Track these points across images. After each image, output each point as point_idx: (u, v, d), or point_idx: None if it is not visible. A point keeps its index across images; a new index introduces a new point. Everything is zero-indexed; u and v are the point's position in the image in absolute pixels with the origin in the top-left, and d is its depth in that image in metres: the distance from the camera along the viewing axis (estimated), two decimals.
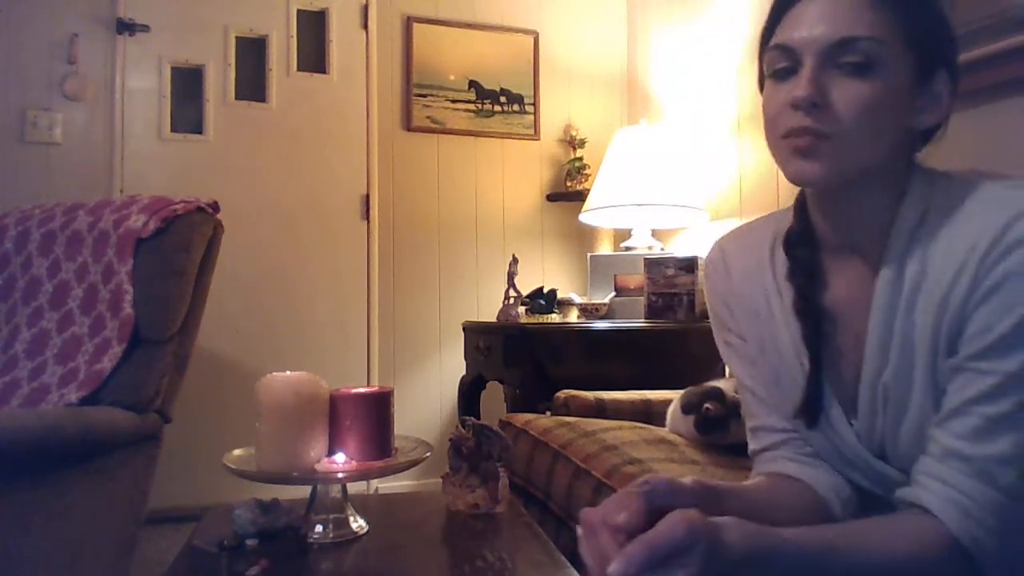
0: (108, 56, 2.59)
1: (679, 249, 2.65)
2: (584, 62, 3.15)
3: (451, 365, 2.88)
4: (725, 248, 0.93)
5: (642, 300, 2.25)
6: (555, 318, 2.40)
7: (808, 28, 0.73)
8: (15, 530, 1.26)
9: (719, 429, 1.38)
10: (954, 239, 0.71)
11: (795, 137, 0.73)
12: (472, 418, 1.19)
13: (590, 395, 1.78)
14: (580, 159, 3.02)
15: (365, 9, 2.89)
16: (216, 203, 1.73)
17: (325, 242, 2.81)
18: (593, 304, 2.36)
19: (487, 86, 3.01)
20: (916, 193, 0.75)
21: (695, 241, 2.58)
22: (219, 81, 2.72)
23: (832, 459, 0.82)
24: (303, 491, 1.04)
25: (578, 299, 2.47)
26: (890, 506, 0.75)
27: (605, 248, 3.08)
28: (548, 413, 1.78)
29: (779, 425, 0.85)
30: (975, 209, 0.71)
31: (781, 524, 0.64)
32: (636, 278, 2.33)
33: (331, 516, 1.01)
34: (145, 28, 2.63)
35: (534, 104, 3.07)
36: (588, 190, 2.66)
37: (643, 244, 2.53)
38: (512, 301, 2.32)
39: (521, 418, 1.69)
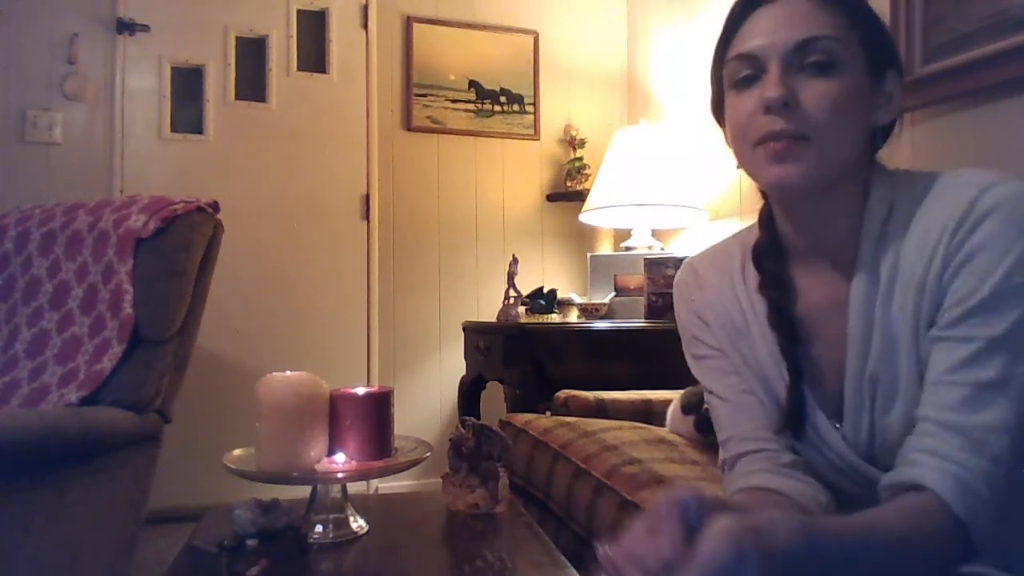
0: (108, 56, 2.59)
1: (679, 249, 2.65)
2: (584, 62, 3.15)
3: (451, 365, 2.88)
4: (696, 266, 0.94)
5: (642, 300, 2.25)
6: (555, 318, 2.40)
7: (769, 35, 0.74)
8: (15, 530, 1.26)
9: None
10: (924, 226, 0.72)
11: (771, 142, 0.73)
12: (472, 418, 1.19)
13: (590, 395, 1.78)
14: (580, 159, 3.02)
15: (365, 9, 2.89)
16: (216, 203, 1.73)
17: (325, 242, 2.81)
18: (593, 304, 2.36)
19: (487, 86, 3.01)
20: (879, 190, 0.77)
21: (695, 241, 2.58)
22: (219, 81, 2.72)
23: (820, 467, 0.81)
24: (303, 491, 1.04)
25: (578, 299, 2.47)
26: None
27: (605, 248, 3.08)
28: (548, 413, 1.78)
29: (753, 435, 0.83)
30: (940, 196, 0.73)
31: None
32: (636, 278, 2.33)
33: (331, 516, 1.01)
34: (145, 28, 2.63)
35: (534, 104, 3.07)
36: (588, 190, 2.66)
37: (643, 244, 2.53)
38: (512, 301, 2.32)
39: (521, 418, 1.69)
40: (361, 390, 1.04)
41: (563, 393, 1.80)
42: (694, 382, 0.92)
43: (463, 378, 2.57)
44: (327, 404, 1.02)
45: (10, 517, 1.26)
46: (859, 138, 0.75)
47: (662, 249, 2.57)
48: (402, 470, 1.03)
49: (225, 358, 2.63)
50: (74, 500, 1.35)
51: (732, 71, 0.77)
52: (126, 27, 2.60)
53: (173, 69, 2.69)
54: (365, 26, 2.89)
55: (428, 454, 1.06)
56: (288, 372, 1.01)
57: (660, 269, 2.19)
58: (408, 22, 2.93)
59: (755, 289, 0.84)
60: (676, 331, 0.94)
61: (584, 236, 3.08)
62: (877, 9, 0.78)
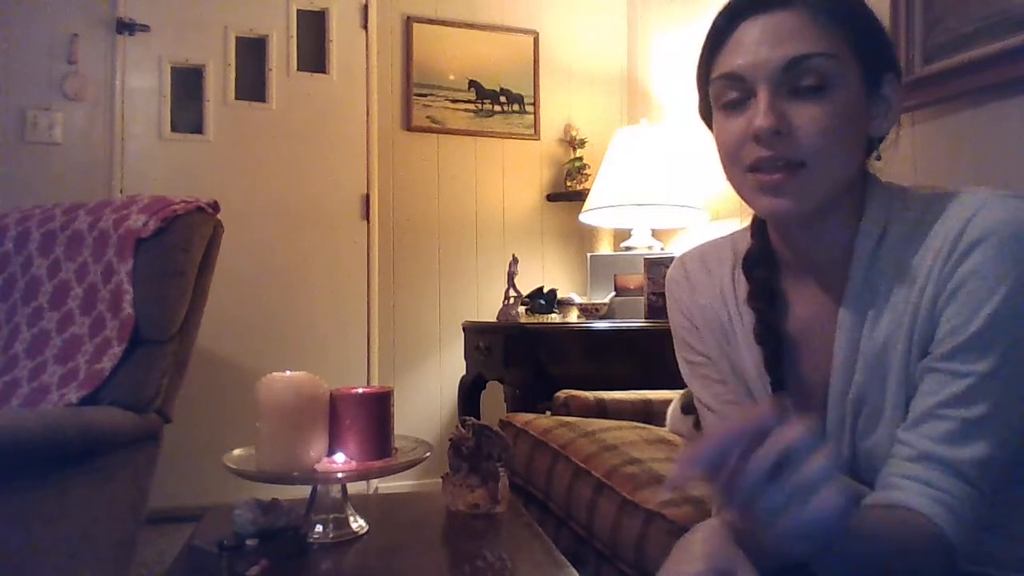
0: (108, 56, 2.59)
1: (679, 249, 2.65)
2: (584, 62, 3.15)
3: (451, 365, 2.88)
4: (688, 265, 0.91)
5: (642, 300, 2.26)
6: (555, 318, 2.40)
7: (753, 53, 0.70)
8: (15, 530, 1.26)
9: None
10: (918, 251, 0.70)
11: (764, 173, 0.70)
12: (472, 418, 1.19)
13: (590, 395, 1.78)
14: (580, 159, 3.02)
15: (365, 9, 2.89)
16: (216, 203, 1.73)
17: (325, 242, 2.81)
18: (593, 304, 2.36)
19: (487, 86, 3.01)
20: (875, 208, 0.74)
21: (695, 241, 2.58)
22: (219, 81, 2.72)
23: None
24: (303, 491, 1.04)
25: (578, 299, 2.47)
26: None
27: (605, 248, 3.08)
28: (548, 413, 1.78)
29: None
30: (935, 219, 0.70)
31: None
32: (636, 278, 2.33)
33: (331, 516, 1.02)
34: (145, 28, 2.63)
35: (534, 104, 3.07)
36: (588, 190, 2.66)
37: (643, 244, 2.53)
38: (512, 301, 2.32)
39: (521, 418, 1.69)
40: (361, 390, 1.04)
41: (563, 393, 1.80)
42: (688, 385, 0.92)
43: (463, 378, 2.57)
44: (327, 404, 1.02)
45: (10, 517, 1.26)
46: (856, 156, 0.73)
47: (662, 249, 2.57)
48: (402, 470, 1.03)
49: (225, 358, 2.63)
50: (74, 500, 1.35)
51: (718, 91, 0.74)
52: (126, 27, 2.60)
53: (173, 69, 2.69)
54: (365, 26, 2.89)
55: (428, 454, 1.06)
56: (288, 372, 1.01)
57: (660, 269, 2.19)
58: (408, 22, 2.93)
59: (744, 299, 0.83)
60: None
61: (584, 236, 3.08)
62: (876, 10, 0.75)
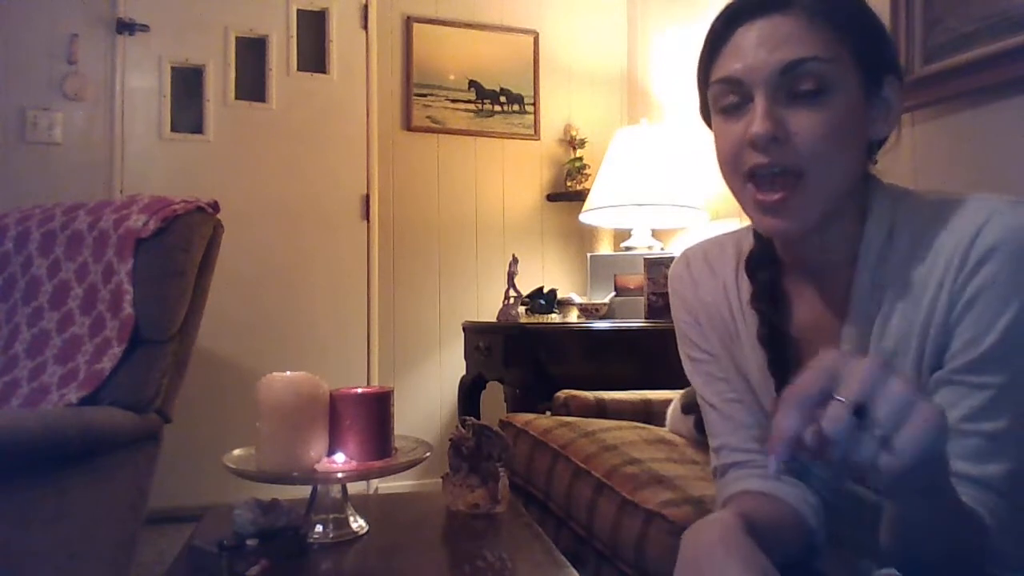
0: (108, 56, 2.60)
1: (679, 249, 2.65)
2: (584, 62, 3.15)
3: (451, 365, 2.88)
4: (691, 262, 0.91)
5: (642, 300, 2.26)
6: (555, 318, 2.40)
7: (751, 57, 0.69)
8: (15, 530, 1.26)
9: None
10: (928, 259, 0.69)
11: (763, 190, 0.70)
12: (472, 418, 1.19)
13: (590, 395, 1.78)
14: (580, 159, 3.02)
15: (365, 9, 2.89)
16: (216, 203, 1.73)
17: (325, 242, 2.81)
18: (593, 304, 2.36)
19: (487, 86, 3.01)
20: (879, 211, 0.73)
21: (695, 241, 2.58)
22: (219, 81, 2.72)
23: (808, 480, 0.80)
24: (303, 491, 1.04)
25: (578, 299, 2.47)
26: (855, 515, 0.75)
27: (605, 248, 3.08)
28: (548, 413, 1.78)
29: (744, 445, 0.83)
30: (944, 223, 0.69)
31: (766, 540, 0.63)
32: (636, 278, 2.33)
33: (331, 516, 1.01)
34: (145, 28, 2.63)
35: (534, 104, 3.07)
36: (588, 190, 2.66)
37: (643, 244, 2.53)
38: (512, 301, 2.32)
39: (521, 418, 1.69)
40: (361, 390, 1.04)
41: (563, 393, 1.80)
42: (690, 382, 0.92)
43: (463, 378, 2.57)
44: (327, 404, 1.02)
45: (10, 517, 1.26)
46: (856, 160, 0.72)
47: (662, 249, 2.57)
48: (402, 470, 1.03)
49: (225, 358, 2.63)
50: (74, 500, 1.35)
51: (716, 95, 0.74)
52: (126, 27, 2.60)
53: (173, 69, 2.69)
54: (365, 26, 2.89)
55: (428, 454, 1.06)
56: (288, 372, 1.01)
57: (660, 269, 2.19)
58: (408, 22, 2.93)
59: (747, 301, 0.82)
60: (675, 331, 0.94)
61: (584, 236, 3.08)
62: (876, 10, 0.74)
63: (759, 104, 0.69)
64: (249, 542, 0.89)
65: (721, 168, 0.76)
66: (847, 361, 0.51)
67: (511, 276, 2.34)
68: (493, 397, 2.44)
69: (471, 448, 1.13)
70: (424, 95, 2.94)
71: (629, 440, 1.40)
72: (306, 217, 2.79)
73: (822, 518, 0.79)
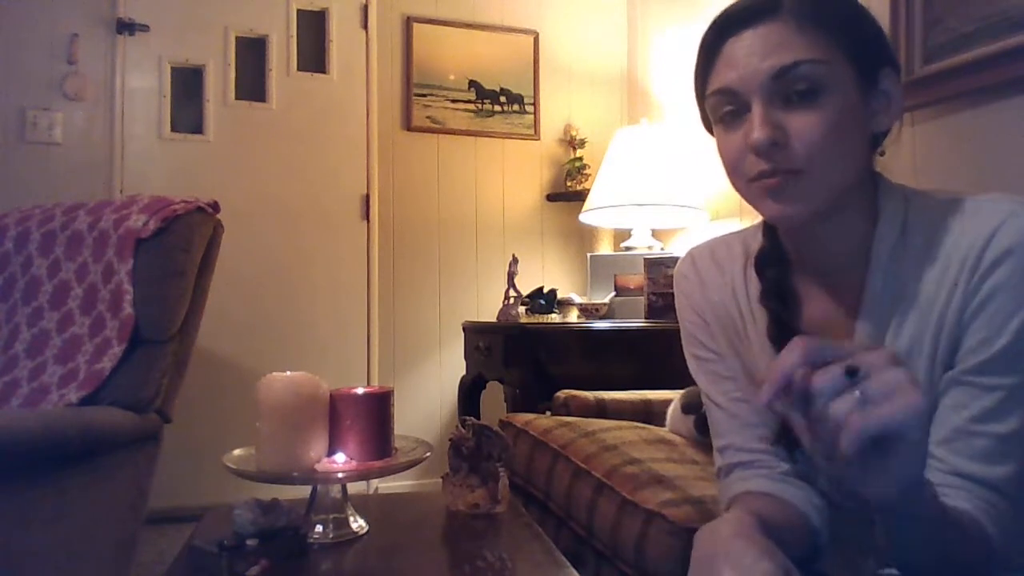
0: (108, 56, 2.60)
1: (679, 249, 2.65)
2: (584, 62, 3.15)
3: (451, 365, 2.88)
4: (698, 261, 0.91)
5: (642, 300, 2.26)
6: (555, 318, 2.40)
7: (743, 66, 0.70)
8: (15, 530, 1.26)
9: None
10: (943, 258, 0.70)
11: (766, 179, 0.71)
12: (472, 418, 1.19)
13: (590, 395, 1.78)
14: (580, 159, 3.02)
15: (365, 9, 2.89)
16: (216, 203, 1.73)
17: (325, 242, 2.81)
18: (593, 304, 2.36)
19: (487, 86, 3.01)
20: (890, 211, 0.74)
21: (695, 241, 2.58)
22: (219, 81, 2.72)
23: (815, 481, 0.80)
24: (303, 491, 1.04)
25: (578, 299, 2.47)
26: (859, 516, 0.75)
27: (605, 248, 3.07)
28: (548, 413, 1.78)
29: (748, 445, 0.83)
30: (959, 223, 0.70)
31: (771, 540, 0.63)
32: (636, 278, 2.33)
33: (331, 516, 1.01)
34: (145, 28, 2.63)
35: (534, 104, 3.07)
36: (588, 190, 2.66)
37: (643, 244, 2.53)
38: (512, 301, 2.32)
39: (521, 418, 1.69)
40: (361, 390, 1.04)
41: (563, 393, 1.80)
42: (694, 382, 0.92)
43: (463, 378, 2.57)
44: (327, 404, 1.02)
45: (10, 517, 1.26)
46: (858, 155, 0.72)
47: (662, 249, 2.57)
48: (402, 470, 1.03)
49: (225, 358, 2.63)
50: (74, 500, 1.35)
51: (714, 106, 0.75)
52: (126, 27, 2.60)
53: (173, 69, 2.69)
54: (365, 26, 2.89)
55: (428, 454, 1.06)
56: (288, 372, 1.01)
57: (660, 269, 2.19)
58: (408, 22, 2.93)
59: (756, 299, 0.82)
60: (676, 331, 0.93)
61: (584, 236, 3.08)
62: (877, 9, 0.74)
63: (756, 111, 0.69)
64: (249, 542, 0.89)
65: (728, 175, 0.77)
66: (863, 346, 0.53)
67: (511, 276, 2.34)
68: (493, 397, 2.44)
69: (471, 448, 1.13)
70: (424, 95, 2.94)
71: (629, 440, 1.40)
72: (306, 217, 2.79)
73: (826, 519, 0.79)
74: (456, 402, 2.62)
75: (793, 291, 0.80)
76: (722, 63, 0.73)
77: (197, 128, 2.71)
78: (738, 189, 0.76)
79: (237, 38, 2.76)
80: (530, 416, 1.70)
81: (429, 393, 2.91)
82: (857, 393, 0.50)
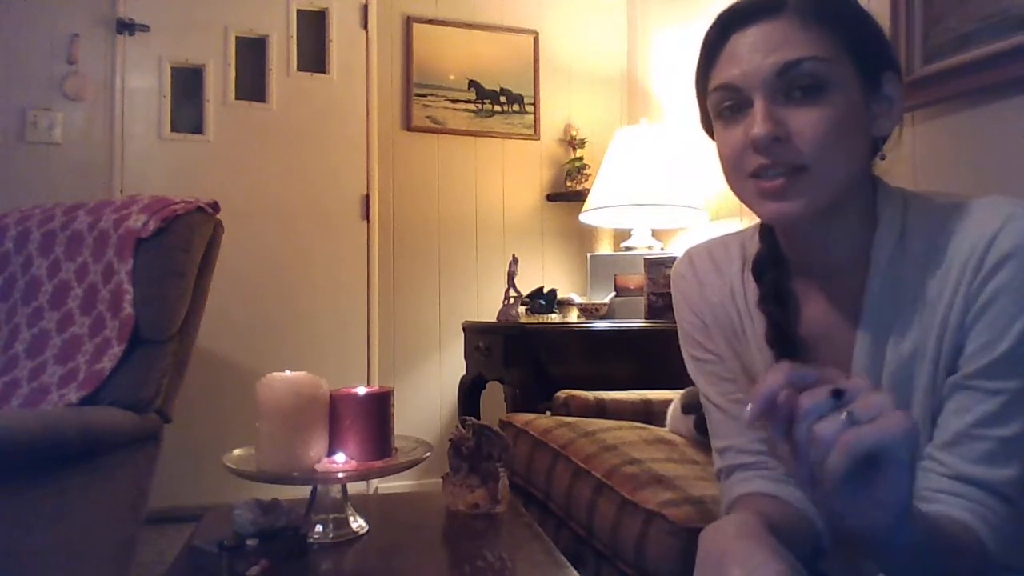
0: (108, 56, 2.59)
1: (679, 249, 2.65)
2: (584, 62, 3.15)
3: (451, 365, 2.88)
4: (696, 262, 0.90)
5: (642, 300, 2.26)
6: (555, 318, 2.40)
7: (746, 62, 0.70)
8: (15, 530, 1.26)
9: None
10: (944, 261, 0.69)
11: (765, 179, 0.70)
12: (472, 418, 1.19)
13: (590, 395, 1.78)
14: (580, 159, 3.02)
15: (365, 9, 2.89)
16: (216, 203, 1.73)
17: (325, 242, 2.81)
18: (593, 304, 2.36)
19: (487, 86, 3.01)
20: (889, 216, 0.74)
21: (695, 241, 2.58)
22: (219, 81, 2.72)
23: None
24: (303, 491, 1.04)
25: (578, 299, 2.47)
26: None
27: (605, 248, 3.07)
28: (548, 413, 1.78)
29: (749, 447, 0.82)
30: (959, 227, 0.69)
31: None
32: (636, 278, 2.33)
33: (331, 516, 1.01)
34: (145, 28, 2.63)
35: (534, 104, 3.07)
36: (588, 190, 2.66)
37: (643, 244, 2.53)
38: (512, 301, 2.32)
39: (521, 418, 1.69)
40: (361, 390, 1.04)
41: (563, 393, 1.80)
42: (694, 382, 0.92)
43: (463, 378, 2.57)
44: (327, 404, 1.02)
45: (10, 517, 1.26)
46: (859, 157, 0.72)
47: (662, 249, 2.57)
48: (402, 470, 1.03)
49: (225, 358, 2.63)
50: (74, 500, 1.35)
51: (715, 102, 0.74)
52: (126, 27, 2.60)
53: (173, 69, 2.69)
54: (365, 26, 2.89)
55: (428, 454, 1.06)
56: (288, 372, 1.01)
57: (660, 269, 2.19)
58: (408, 22, 2.93)
59: (755, 302, 0.82)
60: (676, 331, 0.93)
61: (584, 236, 3.08)
62: (876, 9, 0.74)
63: (758, 106, 0.69)
64: (249, 542, 0.89)
65: (724, 172, 0.76)
66: (842, 375, 0.53)
67: (511, 276, 2.34)
68: (493, 397, 2.44)
69: (471, 448, 1.13)
70: (424, 95, 2.94)
71: (629, 440, 1.40)
72: (306, 217, 2.79)
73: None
74: (456, 402, 2.62)
75: (792, 295, 0.80)
76: (725, 59, 0.73)
77: (197, 128, 2.71)
78: (735, 188, 0.75)
79: (237, 38, 2.76)
80: (530, 416, 1.70)
81: (429, 393, 2.91)
82: (844, 414, 0.50)
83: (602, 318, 2.31)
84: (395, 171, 2.91)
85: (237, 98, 2.75)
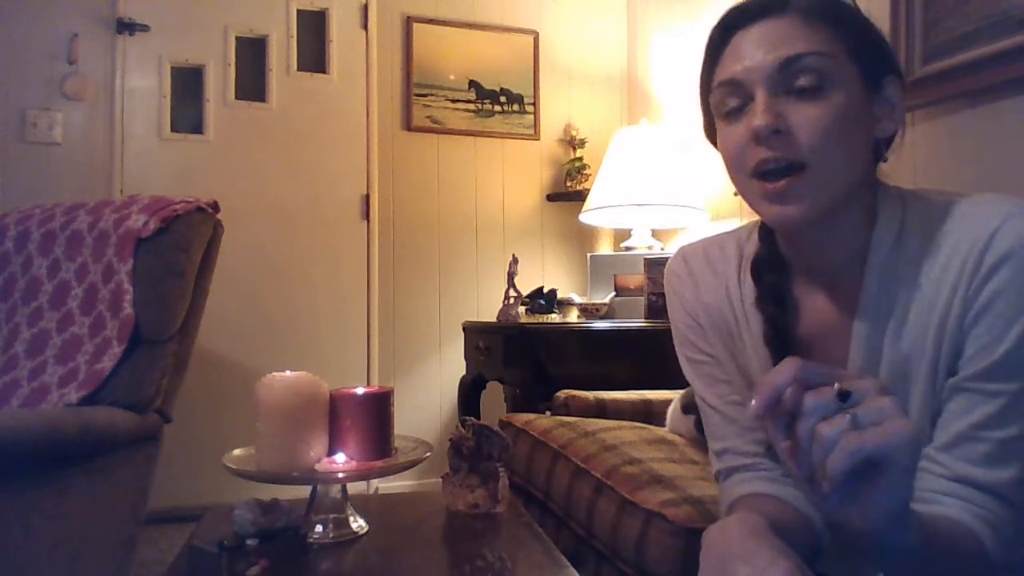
0: (108, 56, 2.59)
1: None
2: (584, 62, 3.15)
3: (451, 365, 2.88)
4: (690, 261, 0.89)
5: (642, 300, 2.26)
6: (555, 318, 2.40)
7: (749, 57, 0.70)
8: (15, 530, 1.26)
9: None
10: (941, 261, 0.69)
11: (768, 181, 0.70)
12: (472, 418, 1.19)
13: (590, 395, 1.78)
14: (580, 159, 3.02)
15: (365, 9, 2.89)
16: (216, 203, 1.73)
17: (325, 242, 2.81)
18: (593, 304, 2.36)
19: (487, 86, 3.01)
20: (887, 214, 0.74)
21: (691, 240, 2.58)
22: (219, 81, 2.72)
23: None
24: (303, 491, 1.04)
25: (578, 299, 2.48)
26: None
27: (605, 248, 3.08)
28: (548, 413, 1.78)
29: (747, 448, 0.82)
30: (956, 226, 0.69)
31: None
32: (636, 278, 2.33)
33: (331, 516, 1.01)
34: (145, 28, 2.63)
35: (534, 104, 3.07)
36: (588, 190, 2.66)
37: (643, 244, 2.53)
38: (512, 301, 2.32)
39: (521, 418, 1.69)
40: (361, 390, 1.04)
41: (563, 393, 1.80)
42: (690, 383, 0.92)
43: (463, 378, 2.57)
44: (327, 404, 1.02)
45: (10, 517, 1.26)
46: (860, 157, 0.72)
47: (662, 249, 2.57)
48: (402, 470, 1.03)
49: (225, 358, 2.63)
50: (74, 500, 1.35)
51: (718, 100, 0.74)
52: (126, 27, 2.60)
53: (173, 69, 2.69)
54: (365, 26, 2.89)
55: (428, 454, 1.06)
56: (288, 372, 1.01)
57: (660, 269, 2.19)
58: (408, 22, 2.93)
59: (752, 302, 0.82)
60: None
61: (584, 236, 3.08)
62: (877, 9, 0.75)
63: (759, 99, 0.70)
64: (249, 542, 0.89)
65: (728, 170, 0.76)
66: (854, 374, 0.54)
67: (511, 276, 2.34)
68: (493, 397, 2.44)
69: (471, 448, 1.13)
70: (424, 95, 2.94)
71: (629, 440, 1.40)
72: (306, 217, 2.79)
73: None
74: (456, 402, 2.62)
75: (790, 295, 0.80)
76: (728, 57, 0.73)
77: (197, 128, 2.71)
78: (738, 186, 0.75)
79: (237, 38, 2.76)
80: (530, 416, 1.70)
81: (429, 393, 2.91)
82: (848, 417, 0.51)
83: (602, 318, 2.31)
84: (395, 171, 2.91)
85: (237, 98, 2.75)
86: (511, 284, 2.33)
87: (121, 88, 2.61)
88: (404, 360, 2.90)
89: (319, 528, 1.00)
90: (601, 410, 1.73)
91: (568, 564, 0.93)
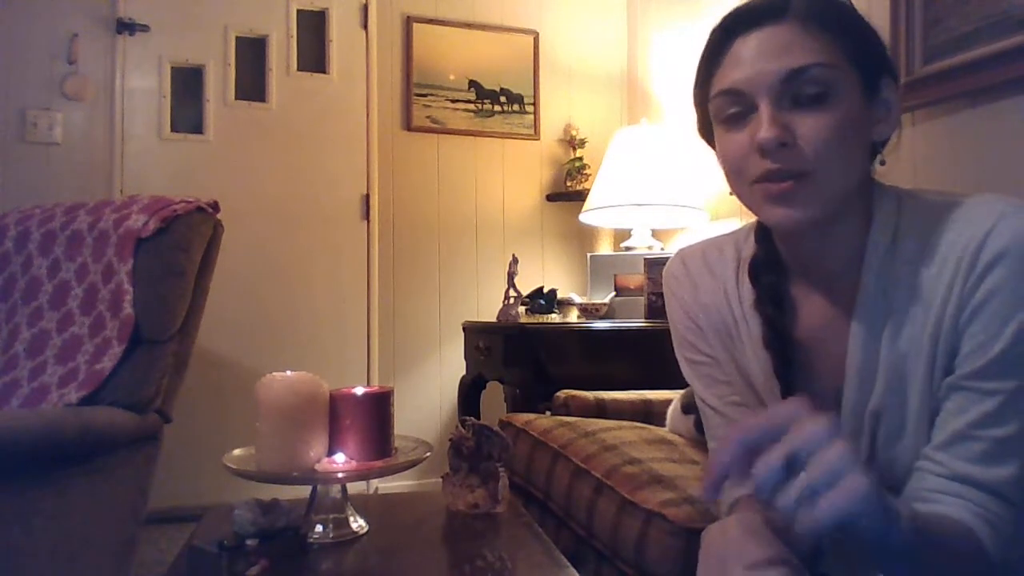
0: (108, 56, 2.59)
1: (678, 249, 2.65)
2: (584, 62, 3.15)
3: (451, 365, 2.88)
4: (689, 263, 0.90)
5: (642, 300, 2.26)
6: (555, 318, 2.40)
7: (751, 66, 0.70)
8: (15, 530, 1.26)
9: None
10: (937, 260, 0.70)
11: (770, 183, 0.70)
12: (472, 418, 1.19)
13: (590, 395, 1.78)
14: (580, 159, 3.02)
15: (365, 9, 2.89)
16: (216, 203, 1.73)
17: (325, 242, 2.81)
18: (593, 304, 2.36)
19: (487, 86, 3.01)
20: (883, 215, 0.74)
21: (693, 241, 2.58)
22: (219, 81, 2.72)
23: None
24: (303, 491, 1.04)
25: (578, 299, 2.47)
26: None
27: (605, 248, 3.08)
28: (548, 413, 1.78)
29: None
30: (952, 225, 0.70)
31: None
32: (636, 278, 2.33)
33: (331, 516, 1.02)
34: (145, 28, 2.63)
35: (534, 104, 3.07)
36: (588, 190, 2.66)
37: (643, 244, 2.53)
38: (512, 301, 2.32)
39: (521, 418, 1.69)
40: (361, 390, 1.04)
41: (563, 393, 1.80)
42: (689, 384, 0.92)
43: (463, 378, 2.57)
44: (327, 404, 1.02)
45: (10, 517, 1.26)
46: (860, 161, 0.72)
47: (662, 249, 2.57)
48: (402, 470, 1.03)
49: (225, 358, 2.63)
50: (74, 500, 1.35)
51: (719, 107, 0.74)
52: (126, 27, 2.60)
53: (173, 69, 2.69)
54: (365, 26, 2.89)
55: (428, 454, 1.06)
56: (288, 372, 1.01)
57: (660, 269, 2.19)
58: (408, 22, 2.93)
59: (750, 304, 0.82)
60: None
61: (584, 236, 3.08)
62: (877, 10, 0.75)
63: (764, 111, 0.69)
64: (249, 542, 0.90)
65: (727, 176, 0.76)
66: (801, 414, 0.53)
67: (511, 276, 2.34)
68: (493, 397, 2.44)
69: (471, 448, 1.13)
70: (424, 95, 2.94)
71: (629, 440, 1.40)
72: (306, 217, 2.79)
73: None
74: (456, 402, 2.62)
75: (788, 297, 0.80)
76: (729, 63, 0.73)
77: (197, 128, 2.70)
78: (738, 192, 0.75)
79: (237, 38, 2.76)
80: (530, 416, 1.70)
81: (429, 393, 2.91)
82: (800, 484, 0.50)
83: (602, 318, 2.31)
84: (395, 171, 2.90)
85: (237, 98, 2.75)
86: (511, 284, 2.33)
87: (121, 88, 2.61)
88: (404, 360, 2.90)
89: (319, 528, 1.00)
90: (601, 410, 1.73)
91: (568, 564, 0.93)
